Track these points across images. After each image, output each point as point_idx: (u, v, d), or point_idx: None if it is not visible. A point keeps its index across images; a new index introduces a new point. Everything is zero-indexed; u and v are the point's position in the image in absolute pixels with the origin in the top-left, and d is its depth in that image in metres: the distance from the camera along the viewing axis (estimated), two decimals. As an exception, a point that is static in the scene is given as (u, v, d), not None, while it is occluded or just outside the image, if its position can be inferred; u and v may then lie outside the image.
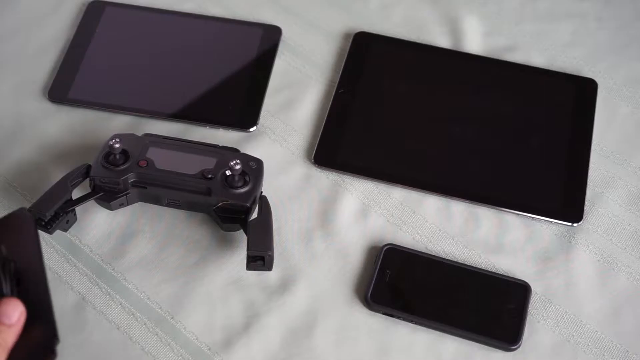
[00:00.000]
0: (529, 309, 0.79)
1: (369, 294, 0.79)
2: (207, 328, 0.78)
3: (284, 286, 0.81)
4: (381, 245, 0.82)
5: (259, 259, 0.78)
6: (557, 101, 0.93)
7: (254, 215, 0.81)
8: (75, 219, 0.82)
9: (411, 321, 0.78)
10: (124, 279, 0.81)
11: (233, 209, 0.81)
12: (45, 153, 0.88)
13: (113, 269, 0.81)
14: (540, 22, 1.01)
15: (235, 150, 0.85)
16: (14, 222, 0.67)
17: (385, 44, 0.97)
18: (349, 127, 0.91)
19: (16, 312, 0.58)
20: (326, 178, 0.88)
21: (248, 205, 0.81)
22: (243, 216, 0.81)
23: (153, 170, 0.82)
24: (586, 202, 0.86)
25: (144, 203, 0.85)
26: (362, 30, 0.99)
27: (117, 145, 0.81)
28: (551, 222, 0.85)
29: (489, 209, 0.86)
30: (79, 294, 0.80)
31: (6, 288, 0.60)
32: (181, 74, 0.95)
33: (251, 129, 0.91)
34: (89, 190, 0.83)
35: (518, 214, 0.86)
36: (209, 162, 0.82)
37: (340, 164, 0.88)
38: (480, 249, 0.84)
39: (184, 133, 0.90)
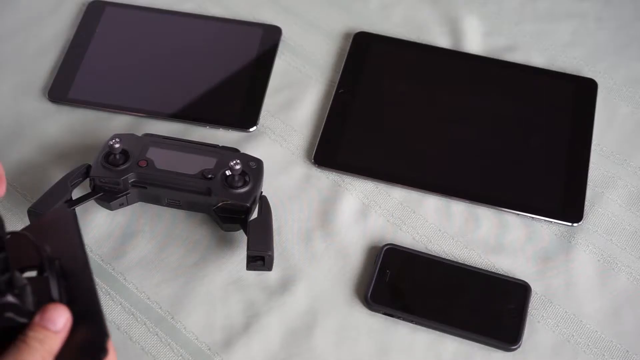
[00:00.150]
0: (529, 309, 0.79)
1: (369, 294, 0.79)
2: (207, 328, 0.78)
3: (284, 286, 0.81)
4: (381, 245, 0.83)
5: (259, 259, 0.78)
6: (557, 101, 0.93)
7: (254, 215, 0.81)
8: (75, 219, 0.82)
9: (411, 321, 0.78)
10: (124, 279, 0.81)
11: (233, 209, 0.81)
12: (45, 153, 0.88)
13: (113, 269, 0.81)
14: (540, 22, 1.01)
15: (235, 150, 0.85)
16: (54, 219, 0.65)
17: (385, 44, 0.97)
18: (349, 127, 0.91)
19: (62, 318, 0.57)
20: (326, 178, 0.88)
21: (248, 205, 0.81)
22: (243, 216, 0.81)
23: (153, 170, 0.82)
24: (586, 202, 0.86)
25: (144, 203, 0.85)
26: (362, 30, 0.99)
27: (117, 145, 0.81)
28: (551, 222, 0.85)
29: (489, 209, 0.86)
30: (79, 294, 0.79)
31: (54, 289, 0.59)
32: (181, 74, 0.95)
33: (251, 129, 0.91)
34: (89, 190, 0.83)
35: (518, 214, 0.86)
36: (209, 162, 0.82)
37: (340, 164, 0.88)
38: (480, 249, 0.84)
39: (184, 133, 0.90)
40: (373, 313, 0.79)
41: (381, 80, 0.95)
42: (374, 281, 0.80)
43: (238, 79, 0.94)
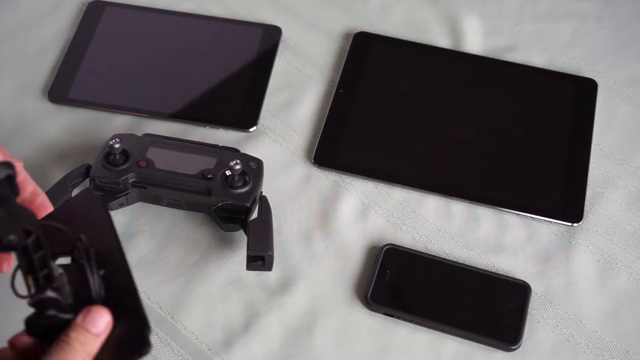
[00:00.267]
0: (529, 309, 0.79)
1: (369, 294, 0.79)
2: (207, 328, 0.78)
3: (284, 286, 0.81)
4: (381, 245, 0.83)
5: (259, 259, 0.78)
6: (557, 101, 0.93)
7: (254, 215, 0.81)
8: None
9: (411, 321, 0.78)
10: (124, 279, 0.81)
11: (233, 209, 0.81)
12: (45, 153, 0.88)
13: (113, 269, 0.81)
14: (540, 22, 1.01)
15: (235, 150, 0.85)
16: (82, 202, 0.64)
17: (385, 44, 0.97)
18: (349, 127, 0.91)
19: (103, 321, 0.57)
20: (326, 178, 0.88)
21: (248, 205, 0.81)
22: (243, 216, 0.81)
23: (153, 170, 0.82)
24: (586, 202, 0.86)
25: (144, 203, 0.85)
26: (362, 30, 0.99)
27: (117, 145, 0.81)
28: (551, 222, 0.85)
29: (489, 209, 0.86)
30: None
31: (94, 287, 0.59)
32: (181, 74, 0.95)
33: (251, 129, 0.91)
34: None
35: (518, 214, 0.86)
36: (209, 162, 0.82)
37: (340, 164, 0.88)
38: (480, 249, 0.84)
39: (184, 133, 0.90)
40: (373, 313, 0.79)
41: (381, 80, 0.95)
42: (374, 281, 0.80)
43: (238, 79, 0.94)
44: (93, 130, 0.90)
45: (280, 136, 0.91)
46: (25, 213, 0.58)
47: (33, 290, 0.58)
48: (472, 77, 0.95)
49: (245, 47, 0.97)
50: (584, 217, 0.85)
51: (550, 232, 0.85)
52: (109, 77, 0.94)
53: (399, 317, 0.79)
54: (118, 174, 0.81)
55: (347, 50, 0.97)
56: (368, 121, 0.92)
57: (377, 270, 0.80)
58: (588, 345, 0.78)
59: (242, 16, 1.00)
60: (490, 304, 0.79)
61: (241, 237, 0.83)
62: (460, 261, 0.82)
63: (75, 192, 0.82)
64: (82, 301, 0.58)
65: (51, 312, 0.58)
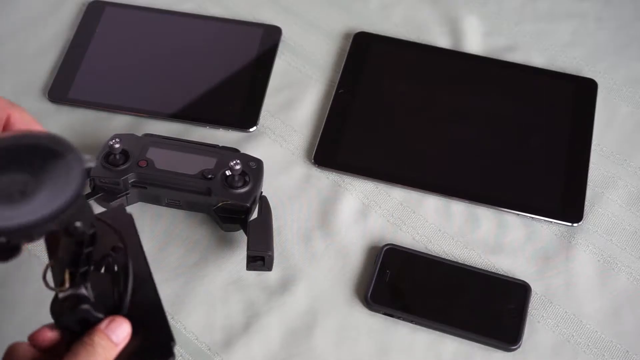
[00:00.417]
0: (529, 309, 0.79)
1: (369, 294, 0.79)
2: (207, 328, 0.78)
3: (284, 286, 0.81)
4: (381, 245, 0.83)
5: (259, 259, 0.78)
6: (557, 101, 0.93)
7: (254, 215, 0.81)
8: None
9: (411, 321, 0.78)
10: (124, 279, 0.81)
11: (233, 209, 0.81)
12: (45, 153, 0.88)
13: (113, 269, 0.81)
14: (540, 22, 1.01)
15: (235, 150, 0.85)
16: (115, 217, 0.65)
17: (385, 44, 0.97)
18: (349, 127, 0.91)
19: (123, 332, 0.59)
20: (326, 178, 0.88)
21: (248, 205, 0.81)
22: (243, 216, 0.81)
23: (153, 171, 0.82)
24: (586, 202, 0.86)
25: (144, 203, 0.85)
26: (362, 30, 0.99)
27: (117, 145, 0.81)
28: (551, 222, 0.85)
29: (489, 209, 0.86)
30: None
31: (126, 294, 0.61)
32: (181, 74, 0.95)
33: (251, 129, 0.91)
34: (89, 190, 0.83)
35: (518, 214, 0.86)
36: (209, 162, 0.82)
37: (340, 164, 0.88)
38: (480, 249, 0.84)
39: (184, 133, 0.90)
40: (373, 313, 0.79)
41: (381, 80, 0.95)
42: (374, 281, 0.80)
43: (238, 79, 0.94)
44: (93, 130, 0.90)
45: (280, 136, 0.91)
46: (90, 208, 0.58)
47: (67, 285, 0.58)
48: (472, 77, 0.95)
49: (245, 47, 0.97)
50: (584, 217, 0.85)
51: (550, 232, 0.85)
52: (109, 77, 0.94)
53: (399, 317, 0.79)
54: (118, 174, 0.81)
55: (347, 50, 0.97)
56: (368, 121, 0.92)
57: (377, 270, 0.80)
58: (588, 345, 0.78)
59: (242, 16, 1.00)
60: (490, 304, 0.79)
61: (241, 237, 0.83)
62: (460, 261, 0.82)
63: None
64: (102, 308, 0.60)
65: (86, 306, 0.58)
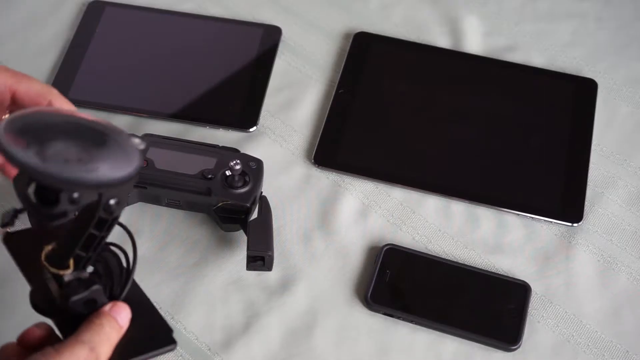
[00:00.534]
0: (529, 309, 0.79)
1: (369, 294, 0.79)
2: (207, 328, 0.78)
3: (284, 286, 0.81)
4: (381, 245, 0.83)
5: (259, 259, 0.78)
6: (557, 101, 0.93)
7: (254, 215, 0.81)
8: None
9: (411, 321, 0.78)
10: (124, 279, 0.81)
11: (233, 209, 0.81)
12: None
13: (113, 269, 0.81)
14: (540, 22, 1.01)
15: (235, 150, 0.85)
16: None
17: (385, 44, 0.97)
18: (349, 127, 0.91)
19: (126, 316, 0.60)
20: (326, 178, 0.88)
21: (248, 205, 0.81)
22: (243, 216, 0.81)
23: (153, 171, 0.82)
24: (586, 202, 0.86)
25: (144, 203, 0.85)
26: (362, 30, 0.99)
27: (117, 146, 0.81)
28: (551, 222, 0.85)
29: (489, 209, 0.86)
30: (79, 294, 0.79)
31: (126, 287, 0.61)
32: (181, 74, 0.95)
33: (251, 129, 0.91)
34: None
35: (518, 214, 0.86)
36: (209, 162, 0.82)
37: (340, 164, 0.88)
38: (480, 249, 0.84)
39: (184, 133, 0.90)
40: (373, 313, 0.79)
41: (381, 80, 0.95)
42: (374, 281, 0.80)
43: (238, 79, 0.94)
44: (93, 130, 0.90)
45: (280, 136, 0.91)
46: (127, 194, 0.59)
47: (72, 269, 0.58)
48: (472, 77, 0.95)
49: (245, 47, 0.97)
50: (584, 217, 0.85)
51: (550, 232, 0.85)
52: (109, 77, 0.94)
53: (399, 317, 0.79)
54: (118, 174, 0.81)
55: (347, 50, 0.97)
56: (368, 121, 0.92)
57: (377, 270, 0.80)
58: (588, 345, 0.78)
59: (242, 16, 1.00)
60: (490, 304, 0.79)
61: (241, 237, 0.83)
62: (460, 261, 0.82)
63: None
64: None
65: (97, 287, 0.59)
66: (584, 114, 0.92)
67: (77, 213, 0.57)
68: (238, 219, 0.81)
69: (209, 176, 0.81)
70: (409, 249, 0.82)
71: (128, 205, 0.83)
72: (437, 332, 0.78)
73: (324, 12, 1.01)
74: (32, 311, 0.78)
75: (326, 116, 0.91)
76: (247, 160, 0.83)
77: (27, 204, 0.55)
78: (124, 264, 0.62)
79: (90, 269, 0.60)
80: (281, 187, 0.87)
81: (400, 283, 0.80)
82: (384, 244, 0.82)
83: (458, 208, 0.86)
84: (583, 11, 1.02)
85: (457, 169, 0.89)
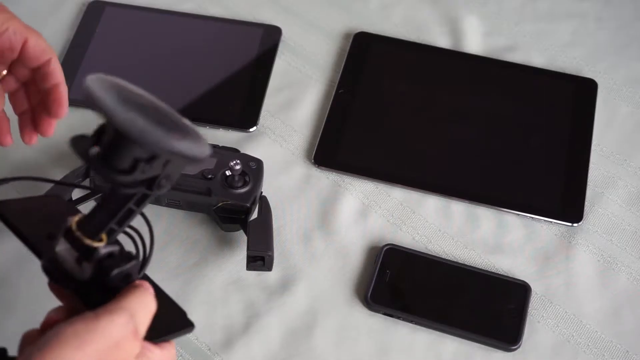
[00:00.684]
0: (529, 309, 0.79)
1: (369, 294, 0.79)
2: (207, 328, 0.78)
3: (284, 286, 0.81)
4: (381, 245, 0.83)
5: (259, 259, 0.78)
6: (557, 101, 0.93)
7: (254, 215, 0.81)
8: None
9: (411, 321, 0.78)
10: (124, 279, 0.81)
11: (233, 209, 0.81)
12: (45, 153, 0.88)
13: (113, 269, 0.81)
14: (540, 22, 1.01)
15: (235, 151, 0.85)
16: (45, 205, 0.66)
17: (385, 44, 0.97)
18: (349, 127, 0.91)
19: (152, 291, 0.60)
20: (326, 178, 0.88)
21: (248, 205, 0.81)
22: (243, 216, 0.81)
23: (153, 170, 0.82)
24: (586, 202, 0.86)
25: (144, 203, 0.84)
26: (362, 30, 0.99)
27: (117, 145, 0.81)
28: (551, 222, 0.85)
29: (489, 209, 0.86)
30: (79, 294, 0.79)
31: (143, 270, 0.61)
32: (181, 74, 0.95)
33: (251, 129, 0.91)
34: (89, 190, 0.83)
35: (518, 214, 0.86)
36: (209, 162, 0.82)
37: (340, 164, 0.88)
38: (480, 249, 0.84)
39: (184, 133, 0.90)
40: (373, 313, 0.79)
41: (381, 80, 0.95)
42: (374, 281, 0.80)
43: (238, 79, 0.94)
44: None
45: (280, 136, 0.91)
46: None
47: (104, 241, 0.57)
48: (472, 77, 0.95)
49: (245, 47, 0.97)
50: (584, 217, 0.85)
51: (550, 232, 0.85)
52: (109, 77, 0.94)
53: (399, 317, 0.79)
54: (118, 174, 0.81)
55: (347, 50, 0.97)
56: (368, 121, 0.92)
57: (377, 270, 0.80)
58: (588, 345, 0.78)
59: (242, 16, 1.00)
60: (490, 304, 0.79)
61: (241, 237, 0.83)
62: (460, 261, 0.82)
63: (75, 193, 0.82)
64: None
65: (136, 262, 0.58)
66: (584, 114, 0.92)
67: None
68: (238, 219, 0.81)
69: (209, 176, 0.81)
70: (409, 249, 0.82)
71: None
72: (437, 332, 0.78)
73: (324, 12, 1.01)
74: (32, 311, 0.78)
75: (326, 116, 0.91)
76: (247, 160, 0.83)
77: (96, 166, 0.54)
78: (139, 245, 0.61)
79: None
80: (281, 187, 0.87)
81: (400, 283, 0.80)
82: (384, 244, 0.82)
83: (458, 208, 0.86)
84: (583, 11, 1.02)
85: (457, 169, 0.89)
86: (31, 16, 0.99)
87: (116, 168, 0.53)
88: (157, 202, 0.84)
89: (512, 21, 1.01)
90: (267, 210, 0.81)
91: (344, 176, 0.88)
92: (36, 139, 0.76)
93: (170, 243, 0.83)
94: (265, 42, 0.97)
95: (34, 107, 0.75)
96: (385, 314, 0.79)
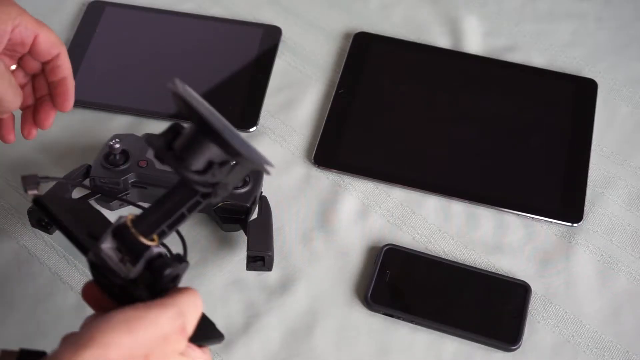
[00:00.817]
0: (529, 309, 0.79)
1: (369, 294, 0.79)
2: (207, 328, 0.78)
3: (284, 286, 0.81)
4: (381, 245, 0.83)
5: (259, 259, 0.78)
6: (557, 101, 0.93)
7: (254, 215, 0.81)
8: (76, 219, 0.82)
9: (411, 321, 0.78)
10: (124, 279, 0.81)
11: (233, 209, 0.81)
12: (45, 153, 0.88)
13: (113, 269, 0.81)
14: (540, 22, 1.01)
15: (236, 151, 0.85)
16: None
17: (385, 44, 0.97)
18: (349, 127, 0.91)
19: None
20: (326, 178, 0.88)
21: (248, 205, 0.81)
22: (243, 216, 0.81)
23: (153, 171, 0.82)
24: (586, 202, 0.86)
25: (144, 203, 0.84)
26: (362, 30, 0.99)
27: (117, 146, 0.81)
28: (551, 222, 0.85)
29: (489, 209, 0.86)
30: (79, 294, 0.79)
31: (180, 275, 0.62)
32: (181, 74, 0.94)
33: (251, 129, 0.91)
34: (89, 190, 0.83)
35: (518, 214, 0.86)
36: (209, 162, 0.82)
37: (340, 164, 0.88)
38: (480, 249, 0.84)
39: (184, 133, 0.90)
40: (373, 313, 0.79)
41: (381, 81, 0.95)
42: (374, 281, 0.80)
43: (238, 79, 0.94)
44: (93, 130, 0.90)
45: (280, 136, 0.91)
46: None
47: (156, 242, 0.59)
48: (472, 77, 0.95)
49: (245, 47, 0.97)
50: (584, 217, 0.85)
51: (550, 233, 0.85)
52: (109, 77, 0.94)
53: (399, 317, 0.79)
54: (118, 174, 0.81)
55: (347, 50, 0.97)
56: (368, 121, 0.92)
57: (377, 270, 0.80)
58: (588, 345, 0.78)
59: (242, 16, 1.00)
60: (490, 304, 0.79)
61: (241, 237, 0.83)
62: (460, 261, 0.82)
63: (75, 193, 0.82)
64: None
65: (187, 263, 0.60)
66: (584, 114, 0.92)
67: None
68: (238, 219, 0.81)
69: (209, 176, 0.81)
70: (409, 249, 0.82)
71: (127, 205, 0.83)
72: (437, 332, 0.78)
73: (324, 12, 1.01)
74: (33, 311, 0.78)
75: (326, 116, 0.91)
76: (247, 160, 0.83)
77: (175, 165, 0.57)
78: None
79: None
80: (281, 187, 0.87)
81: (400, 283, 0.80)
82: (384, 244, 0.82)
83: (458, 208, 0.86)
84: (583, 11, 1.02)
85: (457, 169, 0.89)
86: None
87: (190, 167, 0.57)
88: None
89: (512, 21, 1.01)
90: (267, 210, 0.81)
91: (344, 176, 0.88)
92: (35, 134, 0.76)
93: (170, 243, 0.83)
94: (265, 42, 0.97)
95: (37, 100, 0.76)
96: (385, 314, 0.79)
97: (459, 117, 0.92)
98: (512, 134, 0.91)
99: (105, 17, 0.99)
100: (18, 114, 0.78)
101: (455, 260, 0.82)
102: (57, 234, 0.80)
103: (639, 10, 1.02)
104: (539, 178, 0.88)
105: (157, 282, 0.58)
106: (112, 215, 0.84)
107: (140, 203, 0.83)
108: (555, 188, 0.87)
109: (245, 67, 0.95)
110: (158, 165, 0.82)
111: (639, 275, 0.82)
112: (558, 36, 1.00)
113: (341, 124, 0.91)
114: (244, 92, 0.93)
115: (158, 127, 0.90)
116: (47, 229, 0.79)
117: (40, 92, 0.76)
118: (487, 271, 0.81)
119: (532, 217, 0.85)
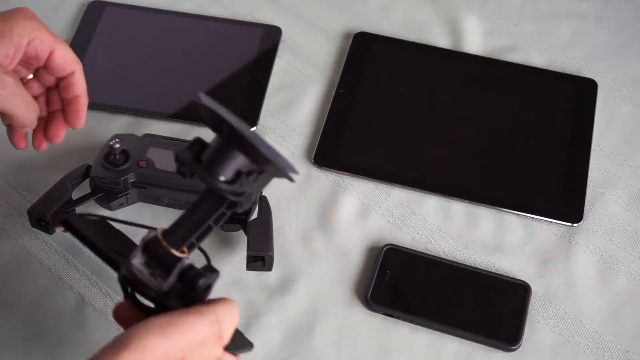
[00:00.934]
0: (529, 309, 0.79)
1: (369, 294, 0.79)
2: (207, 328, 0.78)
3: (284, 286, 0.81)
4: (381, 245, 0.83)
5: (259, 259, 0.78)
6: (557, 101, 0.93)
7: (254, 215, 0.81)
8: (76, 219, 0.82)
9: (411, 321, 0.78)
10: (124, 279, 0.81)
11: (233, 209, 0.81)
12: (45, 153, 0.88)
13: (113, 270, 0.81)
14: (540, 22, 1.01)
15: (236, 151, 0.85)
16: None
17: (385, 44, 0.97)
18: (349, 127, 0.91)
19: None
20: (326, 178, 0.88)
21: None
22: (243, 216, 0.81)
23: (153, 171, 0.82)
24: (586, 202, 0.86)
25: (144, 203, 0.85)
26: (362, 30, 0.99)
27: (117, 146, 0.81)
28: (551, 222, 0.85)
29: (489, 209, 0.86)
30: (79, 294, 0.79)
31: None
32: (181, 74, 0.95)
33: (251, 129, 0.91)
34: (89, 190, 0.83)
35: (518, 214, 0.86)
36: (209, 162, 0.82)
37: (340, 164, 0.88)
38: (480, 249, 0.84)
39: (184, 133, 0.90)
40: (373, 313, 0.79)
41: (381, 81, 0.95)
42: (374, 281, 0.80)
43: (238, 79, 0.94)
44: (93, 130, 0.90)
45: (280, 136, 0.91)
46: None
47: (187, 254, 0.61)
48: (472, 77, 0.95)
49: (245, 47, 0.97)
50: (584, 217, 0.85)
51: (550, 233, 0.85)
52: (108, 77, 0.94)
53: (399, 317, 0.79)
54: (118, 174, 0.81)
55: (347, 50, 0.97)
56: (368, 121, 0.92)
57: (377, 270, 0.80)
58: (588, 345, 0.78)
59: (242, 16, 1.00)
60: (490, 304, 0.79)
61: (241, 237, 0.83)
62: (460, 261, 0.82)
63: (75, 193, 0.82)
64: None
65: (218, 273, 0.61)
66: (584, 114, 0.92)
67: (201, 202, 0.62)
68: (238, 219, 0.81)
69: (209, 176, 0.81)
70: (409, 249, 0.82)
71: (127, 205, 0.83)
72: (437, 332, 0.78)
73: (324, 12, 1.01)
74: (33, 311, 0.78)
75: (326, 116, 0.91)
76: (247, 160, 0.83)
77: (206, 176, 0.60)
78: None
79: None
80: (281, 187, 0.86)
81: (400, 283, 0.80)
82: (384, 244, 0.82)
83: (458, 208, 0.86)
84: (583, 11, 1.02)
85: (457, 169, 0.89)
86: (31, 16, 0.99)
87: (219, 177, 0.60)
88: (157, 202, 0.84)
89: (512, 21, 1.01)
90: (267, 210, 0.81)
91: (344, 176, 0.88)
92: (45, 147, 0.77)
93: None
94: (265, 42, 0.97)
95: (49, 114, 0.76)
96: (385, 314, 0.79)
97: (459, 117, 0.92)
98: (512, 134, 0.91)
99: (105, 17, 0.99)
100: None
101: (455, 260, 0.82)
102: (57, 233, 0.80)
103: (639, 10, 1.02)
104: (539, 178, 0.88)
105: (191, 292, 0.60)
106: (123, 228, 0.84)
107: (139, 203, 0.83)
108: (555, 188, 0.87)
109: (245, 67, 0.95)
110: (158, 165, 0.82)
111: (639, 275, 0.82)
112: (558, 36, 1.00)
113: (341, 124, 0.91)
114: (244, 92, 0.93)
115: (158, 127, 0.90)
116: (47, 229, 0.79)
117: (53, 106, 0.76)
118: (487, 271, 0.81)
119: (532, 217, 0.85)
